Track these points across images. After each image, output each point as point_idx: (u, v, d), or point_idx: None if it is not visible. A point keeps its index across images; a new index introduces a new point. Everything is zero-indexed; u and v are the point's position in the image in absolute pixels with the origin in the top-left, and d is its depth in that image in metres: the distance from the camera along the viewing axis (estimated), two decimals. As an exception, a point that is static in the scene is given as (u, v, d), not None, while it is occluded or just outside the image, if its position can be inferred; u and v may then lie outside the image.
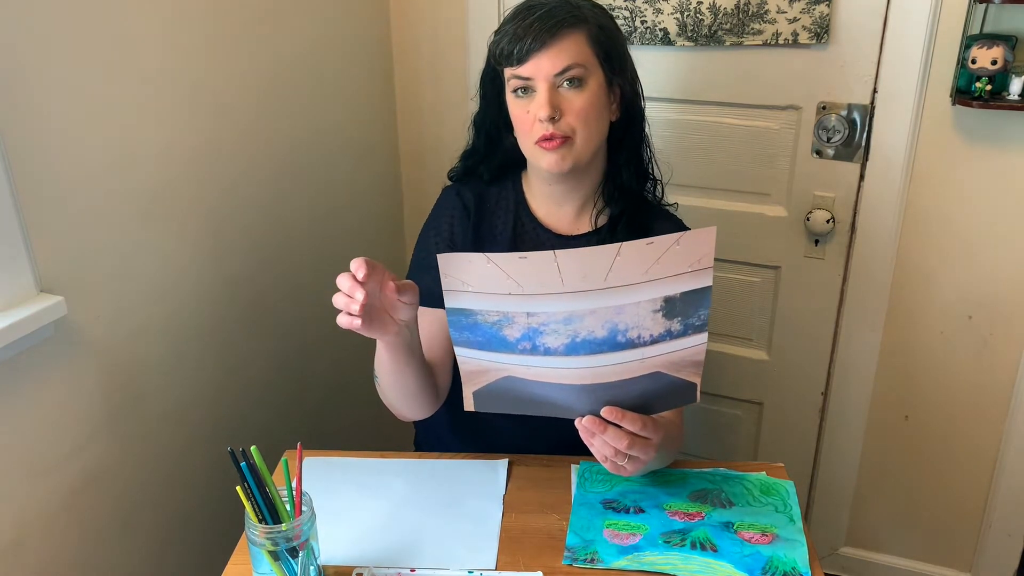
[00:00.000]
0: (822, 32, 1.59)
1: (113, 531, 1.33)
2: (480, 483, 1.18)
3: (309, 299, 1.71)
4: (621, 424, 0.95)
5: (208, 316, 1.47)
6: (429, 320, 1.17)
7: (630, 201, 1.22)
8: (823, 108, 1.66)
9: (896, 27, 1.55)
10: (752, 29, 1.64)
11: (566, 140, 1.11)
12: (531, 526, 1.10)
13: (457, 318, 0.91)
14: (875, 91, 1.61)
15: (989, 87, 1.48)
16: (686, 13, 1.66)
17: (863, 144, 1.66)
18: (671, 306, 0.88)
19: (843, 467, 1.92)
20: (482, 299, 0.89)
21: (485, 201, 1.26)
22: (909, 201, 1.66)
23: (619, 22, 1.67)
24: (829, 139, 1.66)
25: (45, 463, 1.20)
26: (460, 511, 1.12)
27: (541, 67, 1.10)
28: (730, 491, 1.15)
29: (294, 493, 0.94)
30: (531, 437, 1.23)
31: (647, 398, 0.96)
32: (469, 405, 0.98)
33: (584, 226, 1.24)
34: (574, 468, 1.20)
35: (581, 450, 1.02)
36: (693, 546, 1.04)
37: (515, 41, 1.10)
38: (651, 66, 1.71)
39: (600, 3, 1.19)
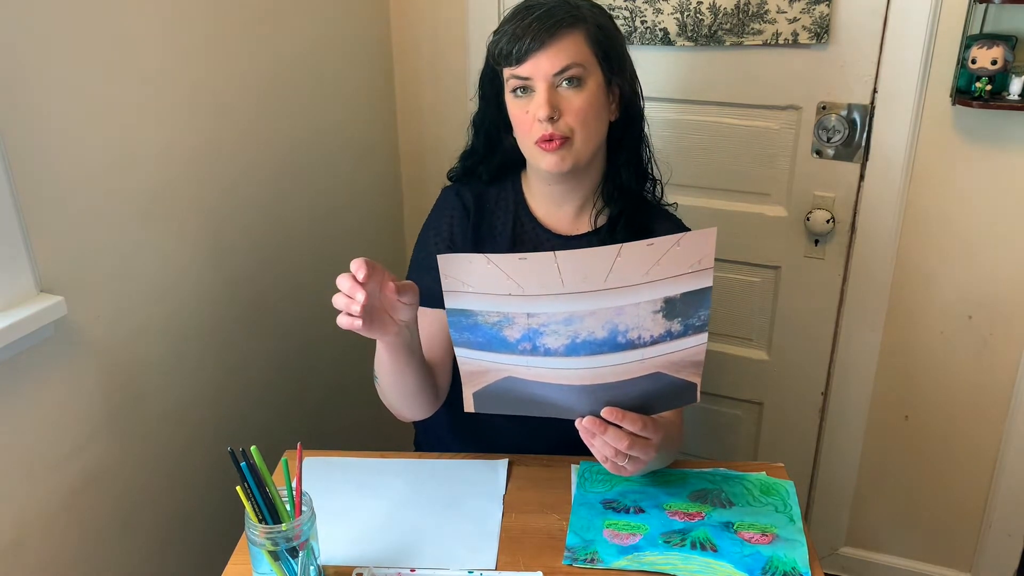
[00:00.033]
0: (822, 32, 1.59)
1: (113, 531, 1.33)
2: (480, 483, 1.18)
3: (309, 299, 1.71)
4: (621, 424, 0.95)
5: (208, 316, 1.47)
6: (429, 320, 1.17)
7: (629, 201, 1.22)
8: (823, 108, 1.66)
9: (896, 27, 1.55)
10: (752, 29, 1.64)
11: (565, 141, 1.11)
12: (531, 526, 1.10)
13: (457, 319, 0.91)
14: (875, 91, 1.61)
15: (989, 87, 1.48)
16: (686, 13, 1.66)
17: (863, 144, 1.66)
18: (671, 307, 0.88)
19: (843, 467, 1.92)
20: (482, 300, 0.89)
21: (485, 201, 1.26)
22: (909, 201, 1.66)
23: (619, 22, 1.68)
24: (829, 139, 1.66)
25: (45, 463, 1.20)
26: (460, 511, 1.12)
27: (540, 67, 1.09)
28: (730, 491, 1.15)
29: (294, 493, 0.94)
30: (531, 437, 1.23)
31: (647, 398, 0.96)
32: (469, 406, 0.98)
33: (584, 226, 1.24)
34: (574, 468, 1.21)
35: (581, 450, 1.02)
36: (693, 546, 1.04)
37: (514, 41, 1.10)
38: (651, 66, 1.71)
39: (599, 3, 1.19)
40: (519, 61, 1.10)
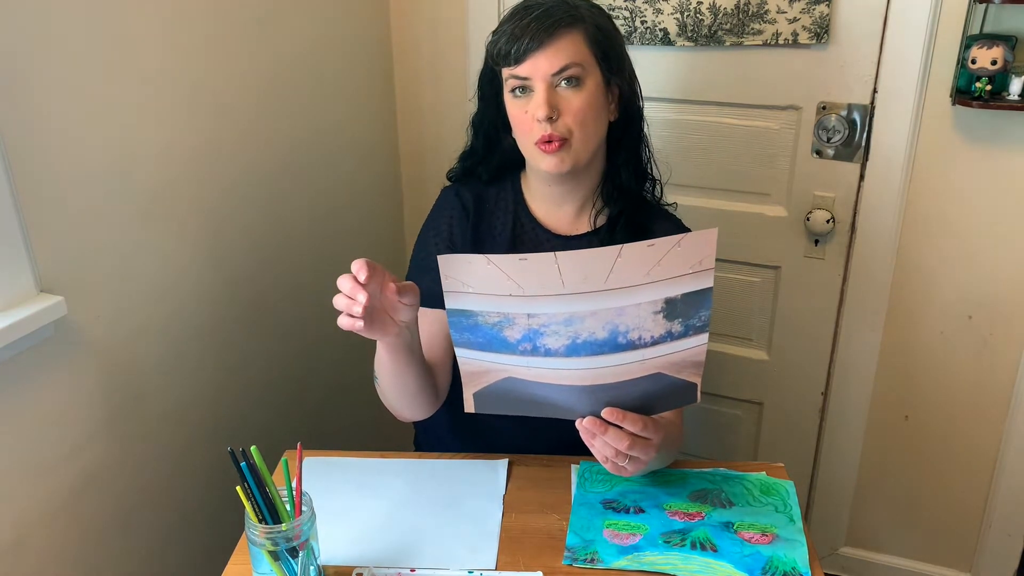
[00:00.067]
0: (822, 32, 1.59)
1: (113, 531, 1.33)
2: (480, 483, 1.18)
3: (309, 299, 1.71)
4: (622, 425, 0.95)
5: (208, 316, 1.47)
6: (429, 321, 1.17)
7: (629, 201, 1.22)
8: (823, 108, 1.66)
9: (896, 27, 1.55)
10: (752, 29, 1.64)
11: (564, 142, 1.11)
12: (531, 526, 1.10)
13: (458, 319, 0.91)
14: (875, 91, 1.61)
15: (989, 87, 1.47)
16: (686, 13, 1.66)
17: (863, 144, 1.66)
18: (672, 307, 0.88)
19: (843, 467, 1.92)
20: (483, 300, 0.89)
21: (484, 201, 1.26)
22: (909, 201, 1.66)
23: (619, 22, 1.69)
24: (829, 139, 1.66)
25: (45, 463, 1.20)
26: (460, 511, 1.12)
27: (539, 67, 1.09)
28: (730, 491, 1.15)
29: (294, 493, 0.94)
30: (531, 437, 1.23)
31: (648, 399, 0.96)
32: (469, 406, 0.98)
33: (583, 226, 1.24)
34: (574, 468, 1.21)
35: (581, 450, 1.02)
36: (693, 546, 1.04)
37: (512, 41, 1.10)
38: (651, 66, 1.71)
39: (598, 3, 1.19)
40: (518, 61, 1.10)
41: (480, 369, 0.95)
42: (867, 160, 1.66)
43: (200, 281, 1.45)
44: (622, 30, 1.63)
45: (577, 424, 0.97)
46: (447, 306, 0.90)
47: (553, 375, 0.93)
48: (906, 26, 1.54)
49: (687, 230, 1.22)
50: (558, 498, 1.15)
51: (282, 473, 0.98)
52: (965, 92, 1.51)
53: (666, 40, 1.70)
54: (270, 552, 0.92)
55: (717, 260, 0.87)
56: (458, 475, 1.20)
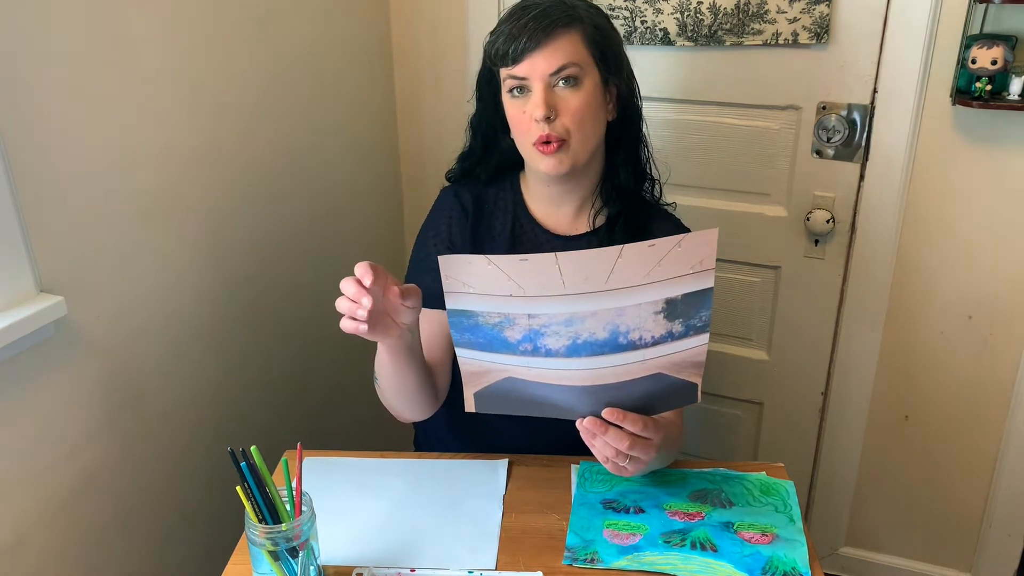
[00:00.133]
0: (822, 32, 1.59)
1: (113, 531, 1.33)
2: (480, 483, 1.18)
3: (309, 299, 1.71)
4: (622, 425, 0.95)
5: (208, 316, 1.47)
6: (429, 321, 1.17)
7: (628, 201, 1.22)
8: (823, 108, 1.66)
9: (896, 27, 1.55)
10: (752, 29, 1.64)
11: (563, 143, 1.11)
12: (531, 526, 1.10)
13: (458, 319, 0.91)
14: (875, 91, 1.61)
15: (989, 87, 1.48)
16: (686, 13, 1.66)
17: (863, 144, 1.66)
18: (672, 308, 0.88)
19: (843, 467, 1.92)
20: (483, 300, 0.89)
21: (483, 202, 1.26)
22: (909, 201, 1.66)
23: (619, 22, 1.69)
24: (829, 139, 1.66)
25: (45, 463, 1.20)
26: (460, 511, 1.12)
27: (536, 67, 1.09)
28: (730, 491, 1.15)
29: (294, 493, 0.94)
30: (531, 437, 1.23)
31: (648, 399, 0.96)
32: (470, 406, 0.98)
33: (582, 226, 1.24)
34: (574, 468, 1.20)
35: (581, 450, 1.02)
36: (693, 546, 1.04)
37: (510, 41, 1.10)
38: (651, 66, 1.71)
39: (598, 3, 1.19)
40: (515, 61, 1.10)
41: (480, 369, 0.95)
42: (867, 160, 1.66)
43: (200, 281, 1.45)
44: (622, 30, 1.63)
45: (577, 424, 0.97)
46: (448, 306, 0.90)
47: (554, 375, 0.93)
48: (906, 26, 1.54)
49: (686, 230, 1.22)
50: (558, 498, 1.15)
51: (282, 473, 0.98)
52: (965, 92, 1.51)
53: (666, 40, 1.70)
54: (270, 552, 0.92)
55: (717, 260, 0.87)
56: (458, 475, 1.20)
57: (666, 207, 1.29)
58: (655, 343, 0.90)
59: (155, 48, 1.29)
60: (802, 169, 1.72)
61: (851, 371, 1.82)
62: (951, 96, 1.54)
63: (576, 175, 1.18)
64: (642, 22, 1.70)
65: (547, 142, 1.11)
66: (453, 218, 1.25)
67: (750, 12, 1.62)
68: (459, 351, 0.94)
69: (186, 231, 1.40)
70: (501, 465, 1.21)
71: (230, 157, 1.48)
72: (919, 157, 1.63)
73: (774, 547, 1.04)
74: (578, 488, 1.16)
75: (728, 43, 1.66)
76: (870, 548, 1.99)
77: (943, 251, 1.68)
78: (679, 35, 1.69)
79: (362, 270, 0.93)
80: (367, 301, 0.93)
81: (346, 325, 0.95)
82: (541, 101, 1.09)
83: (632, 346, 0.90)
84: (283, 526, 0.92)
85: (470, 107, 1.25)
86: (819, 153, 1.70)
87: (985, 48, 1.46)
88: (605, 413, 0.95)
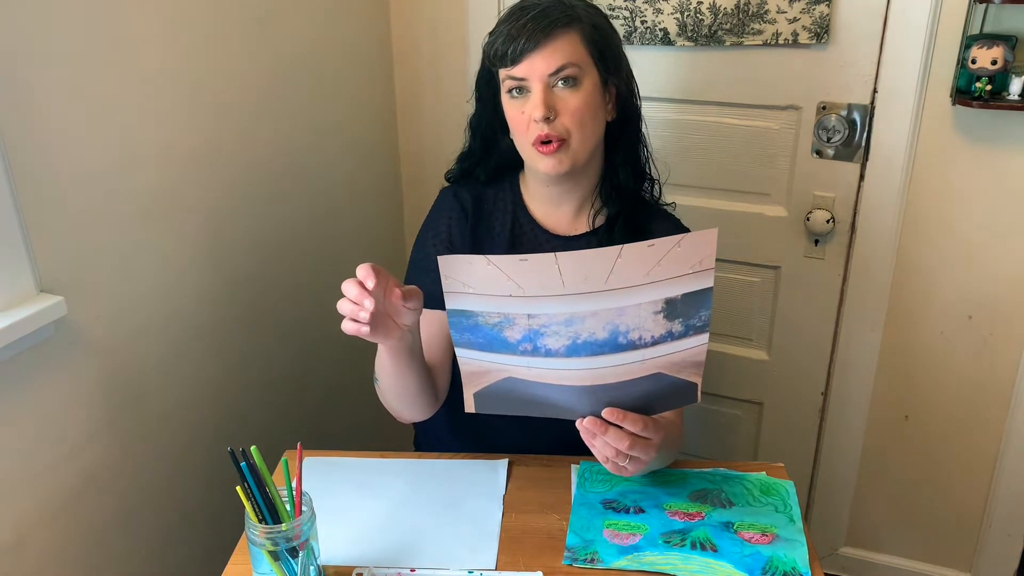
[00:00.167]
0: (822, 32, 1.59)
1: (113, 531, 1.33)
2: (480, 483, 1.18)
3: (309, 299, 1.71)
4: (622, 425, 0.95)
5: (208, 316, 1.47)
6: (428, 322, 1.17)
7: (627, 201, 1.22)
8: (823, 108, 1.66)
9: (896, 27, 1.55)
10: (752, 29, 1.64)
11: (562, 143, 1.11)
12: (531, 526, 1.10)
13: (458, 319, 0.91)
14: (875, 91, 1.61)
15: (989, 87, 1.48)
16: (686, 13, 1.66)
17: (863, 144, 1.66)
18: (672, 307, 0.88)
19: (843, 467, 1.92)
20: (483, 301, 0.89)
21: (483, 202, 1.26)
22: (909, 201, 1.66)
23: (619, 22, 1.69)
24: (829, 139, 1.66)
25: (45, 463, 1.20)
26: (460, 511, 1.12)
27: (535, 67, 1.09)
28: (730, 491, 1.15)
29: (294, 493, 0.94)
30: (531, 437, 1.23)
31: (648, 399, 0.96)
32: (470, 406, 0.98)
33: (582, 226, 1.24)
34: (574, 468, 1.20)
35: (581, 450, 1.02)
36: (693, 546, 1.04)
37: (509, 41, 1.10)
38: (651, 66, 1.71)
39: (597, 3, 1.19)
40: (514, 62, 1.10)
41: (480, 369, 0.95)
42: (867, 160, 1.66)
43: (200, 281, 1.45)
44: (622, 30, 1.63)
45: (577, 424, 0.97)
46: (447, 307, 0.90)
47: (553, 375, 0.93)
48: (906, 26, 1.54)
49: (686, 229, 1.22)
50: (558, 498, 1.15)
51: (282, 473, 0.98)
52: (965, 92, 1.51)
53: (666, 40, 1.70)
54: (270, 552, 0.92)
55: (717, 260, 0.87)
56: (458, 475, 1.20)
57: (666, 207, 1.29)
58: (655, 343, 0.90)
59: (155, 48, 1.29)
60: (802, 169, 1.72)
61: (851, 371, 1.83)
62: (951, 96, 1.54)
63: (575, 175, 1.18)
64: (642, 22, 1.70)
65: (546, 142, 1.11)
66: (453, 218, 1.25)
67: (750, 12, 1.62)
68: (459, 351, 0.94)
69: (186, 231, 1.40)
70: (501, 465, 1.21)
71: (230, 157, 1.48)
72: (919, 157, 1.63)
73: (774, 547, 1.04)
74: (578, 488, 1.16)
75: (728, 43, 1.66)
76: (870, 548, 1.99)
77: (943, 251, 1.68)
78: (679, 35, 1.69)
79: (364, 272, 0.93)
80: (369, 303, 0.93)
81: (348, 327, 0.95)
82: (540, 101, 1.09)
83: (632, 346, 0.90)
84: (283, 526, 0.92)
85: (470, 107, 1.25)
86: (819, 153, 1.70)
87: (985, 48, 1.46)
88: (605, 413, 0.95)
